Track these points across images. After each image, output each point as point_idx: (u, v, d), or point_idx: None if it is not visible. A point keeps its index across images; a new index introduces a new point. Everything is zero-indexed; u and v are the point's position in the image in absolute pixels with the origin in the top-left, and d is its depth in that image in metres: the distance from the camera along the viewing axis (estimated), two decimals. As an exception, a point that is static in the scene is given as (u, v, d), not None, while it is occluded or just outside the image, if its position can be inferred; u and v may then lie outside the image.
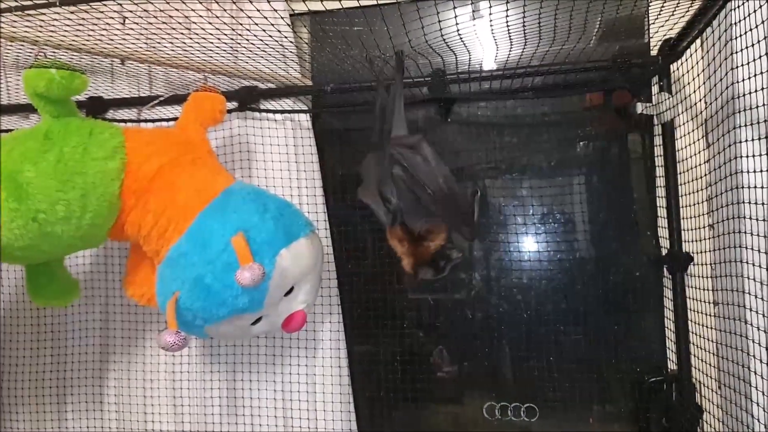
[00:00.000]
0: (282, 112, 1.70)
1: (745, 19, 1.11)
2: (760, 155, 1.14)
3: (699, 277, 1.45)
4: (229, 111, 1.64)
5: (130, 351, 1.79)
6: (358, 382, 1.73)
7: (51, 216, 1.16)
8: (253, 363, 1.73)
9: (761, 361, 1.17)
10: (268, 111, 1.69)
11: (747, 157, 1.19)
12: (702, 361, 1.43)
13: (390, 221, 1.17)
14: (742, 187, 1.21)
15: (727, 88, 1.22)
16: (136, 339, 1.79)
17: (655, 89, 1.53)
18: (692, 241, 1.46)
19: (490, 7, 1.11)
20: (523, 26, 1.18)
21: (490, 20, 1.16)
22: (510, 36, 1.25)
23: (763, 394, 1.17)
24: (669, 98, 1.46)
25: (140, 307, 1.72)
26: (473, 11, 1.16)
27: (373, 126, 1.29)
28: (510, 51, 1.40)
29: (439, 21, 1.08)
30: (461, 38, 1.16)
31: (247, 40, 1.29)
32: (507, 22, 1.15)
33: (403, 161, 1.14)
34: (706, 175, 1.42)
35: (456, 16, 1.07)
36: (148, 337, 1.78)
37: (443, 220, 1.19)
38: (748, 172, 1.19)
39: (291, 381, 1.70)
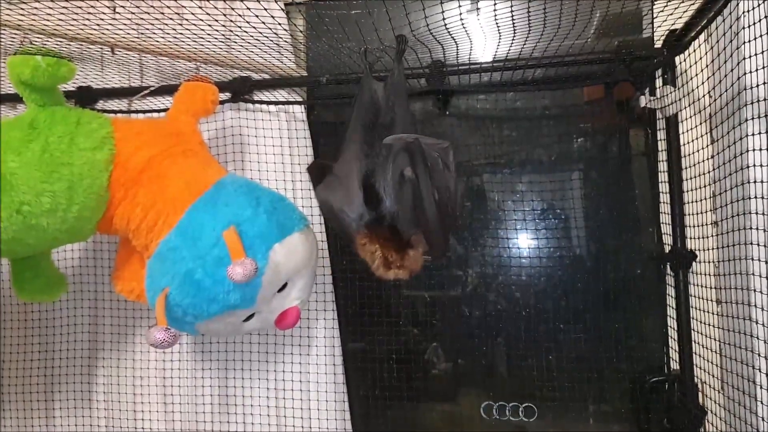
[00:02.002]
0: (276, 103, 1.66)
1: (754, 9, 1.08)
2: (769, 149, 1.11)
3: (702, 274, 1.42)
4: (222, 102, 1.60)
5: (120, 347, 1.76)
6: (352, 380, 1.70)
7: (36, 208, 1.13)
8: (245, 360, 1.69)
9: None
10: (261, 102, 1.66)
11: (755, 150, 1.16)
12: (705, 360, 1.40)
13: (373, 221, 1.10)
14: (750, 183, 1.18)
15: (737, 79, 1.19)
16: (125, 335, 1.75)
17: (658, 82, 1.49)
18: (696, 238, 1.43)
19: (495, 4, 1.07)
20: (528, 18, 1.14)
21: (495, 11, 1.12)
22: (514, 27, 1.21)
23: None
24: (673, 91, 1.43)
25: (130, 302, 1.69)
26: (460, 13, 1.11)
27: (359, 116, 1.22)
28: (511, 44, 1.36)
29: (442, 6, 1.04)
30: (464, 27, 1.13)
31: (240, 27, 1.25)
32: (512, 14, 1.11)
33: (428, 161, 1.07)
34: (711, 171, 1.39)
35: (460, 6, 1.04)
36: (138, 334, 1.74)
37: (426, 233, 1.13)
38: (755, 166, 1.16)
39: (284, 379, 1.67)
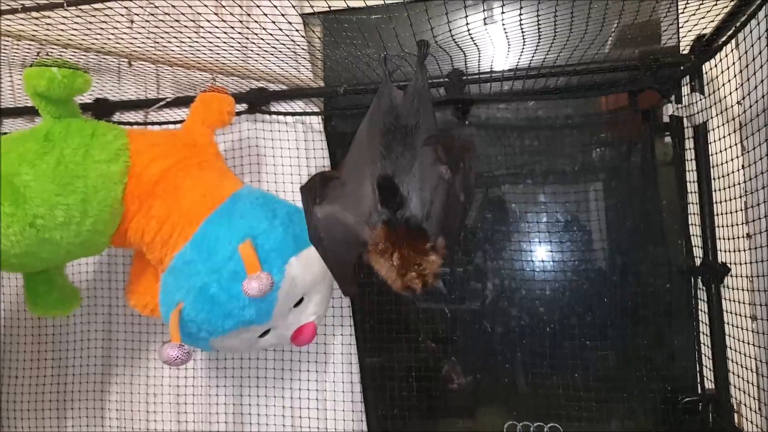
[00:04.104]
0: (293, 114, 1.64)
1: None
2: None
3: (736, 289, 1.36)
4: (239, 113, 1.59)
5: (133, 362, 1.73)
6: (370, 398, 1.66)
7: (49, 221, 1.11)
8: (260, 377, 1.66)
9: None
10: (278, 113, 1.64)
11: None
12: (742, 379, 1.34)
13: (391, 221, 1.03)
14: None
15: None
16: (139, 350, 1.73)
17: (685, 90, 1.44)
18: (728, 252, 1.37)
19: (521, 8, 1.04)
20: (556, 25, 1.11)
21: (520, 18, 1.08)
22: (539, 34, 1.18)
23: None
24: (701, 99, 1.38)
25: (144, 317, 1.67)
26: (485, 18, 1.09)
27: (375, 121, 1.15)
28: (534, 53, 1.33)
29: (466, 15, 1.01)
30: (488, 34, 1.09)
31: (256, 34, 1.23)
32: (539, 22, 1.08)
33: (452, 163, 1.02)
34: (743, 182, 1.33)
35: (484, 10, 1.01)
36: (152, 349, 1.72)
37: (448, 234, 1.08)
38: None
39: (300, 396, 1.63)
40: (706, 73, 1.40)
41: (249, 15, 1.15)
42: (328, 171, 1.15)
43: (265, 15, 1.13)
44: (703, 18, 1.19)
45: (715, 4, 1.11)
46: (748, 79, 1.21)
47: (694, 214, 1.47)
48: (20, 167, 1.11)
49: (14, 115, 1.73)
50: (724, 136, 1.37)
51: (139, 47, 1.38)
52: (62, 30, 1.21)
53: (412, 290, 1.03)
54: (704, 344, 1.45)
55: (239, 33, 1.25)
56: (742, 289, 1.35)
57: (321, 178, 1.14)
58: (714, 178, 1.40)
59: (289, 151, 1.65)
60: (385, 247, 1.02)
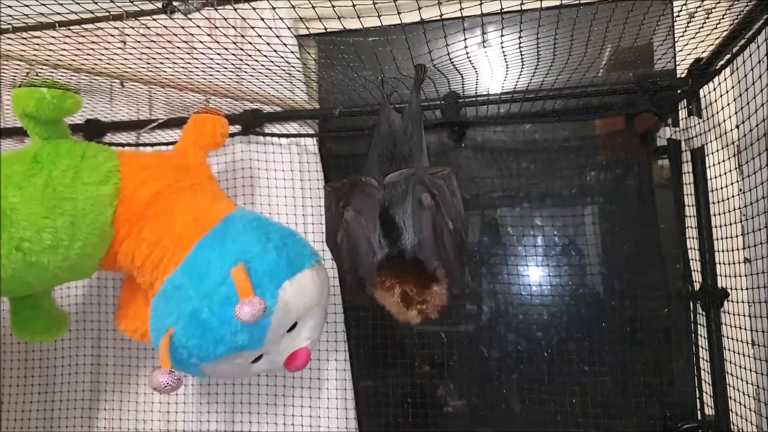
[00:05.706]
0: (287, 136, 1.63)
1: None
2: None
3: (736, 314, 1.35)
4: (232, 135, 1.57)
5: (123, 389, 1.69)
6: (365, 424, 1.63)
7: (36, 245, 1.08)
8: (253, 403, 1.62)
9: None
10: (272, 135, 1.62)
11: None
12: (742, 405, 1.32)
13: (392, 256, 1.05)
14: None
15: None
16: (129, 376, 1.69)
17: (683, 113, 1.44)
18: (727, 276, 1.35)
19: (520, 32, 1.04)
20: (555, 48, 1.10)
21: (519, 41, 1.08)
22: (538, 56, 1.18)
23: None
24: (699, 123, 1.37)
25: (134, 342, 1.63)
26: (483, 41, 1.08)
27: (377, 145, 1.17)
28: (533, 76, 1.33)
29: (465, 38, 1.01)
30: (487, 57, 1.09)
31: (250, 55, 1.22)
32: (538, 44, 1.07)
33: (434, 190, 1.04)
34: (742, 207, 1.32)
35: (483, 33, 1.00)
36: (141, 375, 1.68)
37: (445, 265, 1.08)
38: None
39: (294, 423, 1.59)
40: (704, 96, 1.39)
41: (243, 36, 1.14)
42: (357, 177, 1.14)
43: (260, 36, 1.11)
44: (702, 42, 1.19)
45: (715, 28, 1.10)
46: (748, 104, 1.21)
47: (692, 238, 1.45)
48: (6, 189, 1.09)
49: (3, 136, 1.71)
50: (722, 161, 1.36)
51: (131, 68, 1.36)
52: (52, 50, 1.19)
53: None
54: (704, 370, 1.43)
55: (233, 54, 1.23)
56: (742, 315, 1.33)
57: (351, 183, 1.14)
58: (712, 203, 1.39)
59: (283, 173, 1.63)
60: (391, 284, 1.05)
